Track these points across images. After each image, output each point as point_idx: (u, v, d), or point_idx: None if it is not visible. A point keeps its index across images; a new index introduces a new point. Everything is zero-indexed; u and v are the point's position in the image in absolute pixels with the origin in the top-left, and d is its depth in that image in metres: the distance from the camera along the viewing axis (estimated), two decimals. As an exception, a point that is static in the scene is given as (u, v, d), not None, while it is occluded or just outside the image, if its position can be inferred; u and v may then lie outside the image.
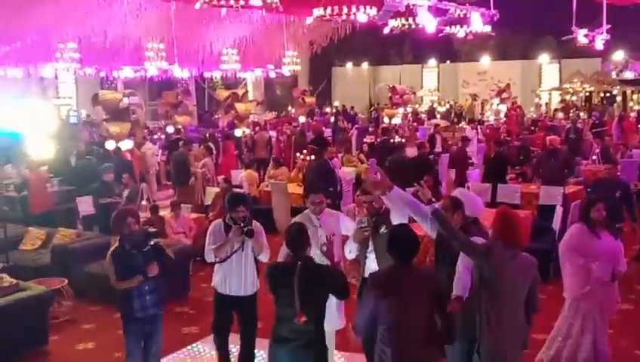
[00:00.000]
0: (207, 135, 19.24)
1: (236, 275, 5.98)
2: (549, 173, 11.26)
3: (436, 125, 21.40)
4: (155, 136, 20.45)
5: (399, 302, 4.42)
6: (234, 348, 6.38)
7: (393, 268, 4.57)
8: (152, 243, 5.60)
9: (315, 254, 5.15)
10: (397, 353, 4.44)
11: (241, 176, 13.67)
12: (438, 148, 18.06)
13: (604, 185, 9.09)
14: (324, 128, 22.85)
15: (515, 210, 6.14)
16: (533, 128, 21.69)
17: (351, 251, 5.88)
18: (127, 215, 5.78)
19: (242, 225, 5.77)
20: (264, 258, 6.03)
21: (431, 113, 29.08)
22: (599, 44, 15.02)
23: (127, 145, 13.96)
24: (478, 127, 22.65)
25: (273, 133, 20.62)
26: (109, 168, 11.18)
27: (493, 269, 4.63)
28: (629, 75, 29.85)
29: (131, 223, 5.67)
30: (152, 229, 5.88)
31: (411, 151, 17.14)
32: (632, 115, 26.17)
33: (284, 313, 4.63)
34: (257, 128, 19.54)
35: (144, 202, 11.08)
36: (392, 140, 17.51)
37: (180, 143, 14.96)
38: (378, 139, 18.25)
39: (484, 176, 12.69)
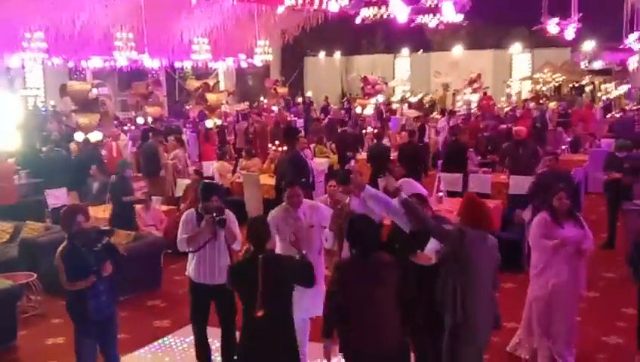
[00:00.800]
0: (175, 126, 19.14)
1: (210, 264, 5.95)
2: (517, 163, 11.34)
3: (417, 117, 21.49)
4: (126, 128, 20.23)
5: (360, 290, 4.52)
6: (218, 342, 6.31)
7: (354, 257, 4.67)
8: (104, 241, 5.38)
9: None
10: (360, 340, 4.52)
11: (213, 167, 13.59)
12: (427, 139, 18.24)
13: (548, 177, 9.15)
14: (295, 118, 22.82)
15: (483, 199, 6.19)
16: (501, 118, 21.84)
17: (327, 239, 5.92)
18: (76, 212, 5.53)
19: (215, 214, 5.75)
20: (237, 246, 6.04)
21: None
22: (570, 34, 15.18)
23: (95, 136, 13.78)
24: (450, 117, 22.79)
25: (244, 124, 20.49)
26: (127, 165, 10.94)
27: (467, 252, 4.71)
28: (597, 65, 30.20)
29: (81, 221, 5.44)
30: (104, 227, 5.75)
31: (386, 142, 17.22)
32: (600, 104, 26.52)
33: (250, 309, 4.60)
34: (239, 118, 19.53)
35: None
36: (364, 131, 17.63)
37: (150, 134, 14.82)
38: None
39: (443, 166, 12.70)
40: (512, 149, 11.74)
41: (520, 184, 11.02)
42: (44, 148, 14.21)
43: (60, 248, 5.41)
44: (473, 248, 4.72)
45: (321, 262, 6.20)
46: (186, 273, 6.20)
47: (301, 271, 4.77)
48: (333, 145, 16.22)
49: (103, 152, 13.96)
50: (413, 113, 23.46)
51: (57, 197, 11.34)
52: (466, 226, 4.82)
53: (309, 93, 32.41)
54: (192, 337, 6.39)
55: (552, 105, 23.73)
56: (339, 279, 4.64)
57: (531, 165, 11.14)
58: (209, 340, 6.25)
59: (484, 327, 4.88)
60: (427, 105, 28.76)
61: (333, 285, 4.69)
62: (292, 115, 23.91)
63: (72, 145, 14.24)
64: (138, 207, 10.29)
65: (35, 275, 8.08)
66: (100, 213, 10.36)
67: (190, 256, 6.10)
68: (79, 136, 13.80)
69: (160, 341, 7.26)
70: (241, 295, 4.77)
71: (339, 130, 16.77)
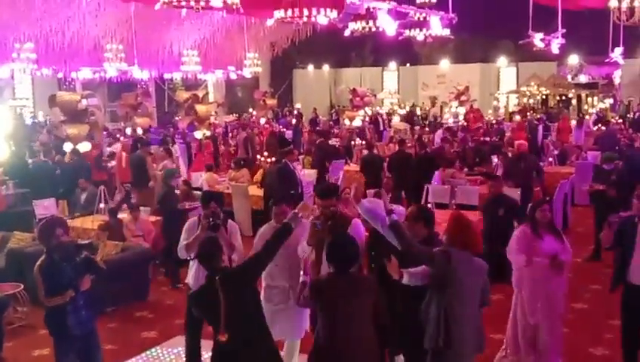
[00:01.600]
0: (165, 136, 19.11)
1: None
2: (519, 176, 11.17)
3: (411, 128, 21.63)
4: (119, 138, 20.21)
5: (336, 309, 4.49)
6: (206, 354, 6.28)
7: (331, 275, 4.63)
8: (82, 255, 5.29)
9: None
10: (333, 357, 4.50)
11: (202, 178, 13.58)
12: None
13: (490, 202, 9.14)
14: (285, 130, 22.87)
15: (467, 214, 6.21)
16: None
17: (304, 252, 5.82)
18: (55, 225, 5.41)
19: (211, 220, 5.84)
20: (236, 257, 6.03)
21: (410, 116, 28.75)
22: (555, 48, 15.34)
23: (85, 147, 13.76)
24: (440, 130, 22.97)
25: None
26: (174, 172, 10.92)
27: (453, 275, 4.64)
28: (583, 78, 30.52)
29: (60, 234, 5.32)
30: (82, 241, 5.69)
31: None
32: (592, 117, 26.76)
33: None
34: (227, 129, 19.60)
35: (102, 205, 10.90)
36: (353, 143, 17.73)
37: (138, 145, 14.80)
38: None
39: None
40: (513, 163, 11.71)
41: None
42: (30, 160, 14.17)
43: (39, 262, 5.27)
44: (459, 270, 4.66)
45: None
46: (186, 281, 6.22)
47: (252, 260, 4.76)
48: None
49: (111, 163, 13.89)
50: (402, 125, 23.57)
51: (46, 207, 11.30)
52: (452, 247, 4.76)
53: (298, 105, 32.51)
54: (180, 348, 6.38)
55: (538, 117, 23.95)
56: (314, 298, 4.64)
57: (532, 179, 11.14)
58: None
59: (469, 349, 4.80)
60: (419, 117, 28.86)
61: (309, 303, 4.75)
62: (281, 127, 23.97)
63: (67, 156, 14.18)
64: (126, 218, 10.27)
65: (22, 286, 8.04)
66: (89, 223, 10.35)
67: (190, 263, 6.18)
68: (68, 147, 13.78)
69: (148, 352, 7.22)
70: (209, 321, 4.68)
71: (317, 141, 16.81)
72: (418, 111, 30.66)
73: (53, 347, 5.48)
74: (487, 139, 18.42)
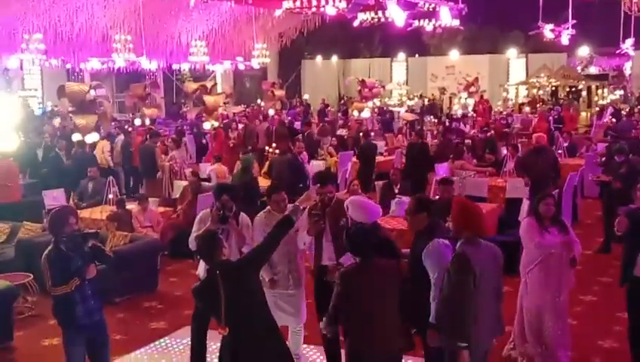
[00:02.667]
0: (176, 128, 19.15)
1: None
2: (538, 172, 10.62)
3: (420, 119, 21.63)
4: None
5: (367, 297, 4.47)
6: (214, 344, 6.29)
7: (358, 264, 4.59)
8: (89, 244, 5.24)
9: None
10: (365, 346, 4.49)
11: (210, 169, 13.57)
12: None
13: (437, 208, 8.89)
14: (294, 121, 22.84)
15: (477, 203, 6.18)
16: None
17: (305, 243, 5.84)
18: (68, 214, 5.37)
19: (221, 212, 5.84)
20: (246, 250, 5.96)
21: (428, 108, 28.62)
22: (565, 39, 15.26)
23: (93, 137, 13.78)
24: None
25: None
26: (252, 159, 11.22)
27: (474, 272, 4.61)
28: (593, 70, 30.34)
29: (73, 223, 5.29)
30: (89, 230, 5.64)
31: (381, 144, 17.30)
32: (597, 109, 26.66)
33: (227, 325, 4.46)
34: (260, 119, 19.67)
35: (111, 195, 10.92)
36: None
37: (147, 136, 14.83)
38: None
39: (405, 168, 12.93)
40: (530, 157, 11.15)
41: (516, 187, 11.07)
42: (38, 150, 14.24)
43: (47, 251, 5.23)
44: (474, 263, 4.62)
45: (302, 266, 6.14)
46: (197, 272, 6.23)
47: (255, 252, 4.77)
48: (330, 148, 16.25)
49: (175, 153, 13.84)
50: (410, 116, 23.50)
51: (55, 198, 11.32)
52: (460, 234, 4.73)
53: (306, 96, 32.45)
54: (188, 338, 6.38)
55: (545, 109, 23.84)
56: (345, 291, 4.54)
57: (550, 175, 10.57)
58: (207, 343, 6.23)
59: (486, 337, 4.81)
60: (426, 107, 28.78)
61: (339, 298, 4.58)
62: (290, 118, 23.94)
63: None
64: (134, 208, 10.30)
65: (32, 276, 8.06)
66: (97, 213, 10.38)
67: None
68: (76, 137, 13.81)
69: (156, 342, 7.24)
70: (211, 314, 4.66)
71: (306, 133, 16.90)
72: (426, 102, 30.57)
73: (62, 336, 5.48)
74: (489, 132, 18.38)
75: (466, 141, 15.34)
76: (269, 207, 6.05)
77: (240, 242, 5.99)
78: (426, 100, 30.47)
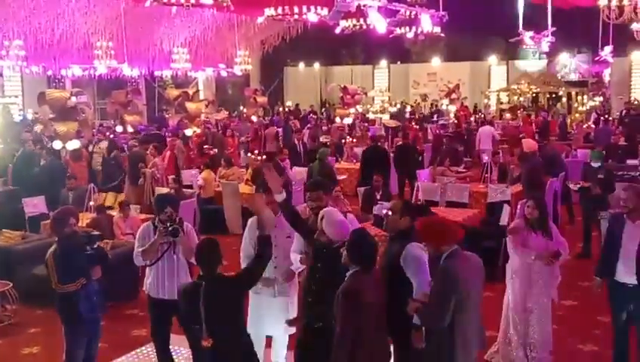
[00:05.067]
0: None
1: (168, 278, 5.80)
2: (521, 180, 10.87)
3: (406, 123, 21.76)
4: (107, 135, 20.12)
5: (369, 309, 4.42)
6: (184, 351, 6.28)
7: (358, 276, 4.47)
8: (94, 245, 5.50)
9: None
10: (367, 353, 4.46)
11: (199, 177, 13.42)
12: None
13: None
14: (275, 128, 22.83)
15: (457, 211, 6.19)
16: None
17: (301, 262, 5.55)
18: (69, 215, 5.68)
19: (168, 225, 5.66)
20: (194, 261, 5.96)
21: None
22: (545, 46, 15.40)
23: (74, 144, 13.69)
24: (430, 126, 23.13)
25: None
26: (327, 151, 12.92)
27: (458, 284, 4.50)
28: (573, 76, 30.65)
29: (73, 224, 5.60)
30: (94, 232, 5.77)
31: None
32: (577, 115, 26.95)
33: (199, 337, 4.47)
34: (267, 123, 19.62)
35: (92, 203, 10.85)
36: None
37: (135, 142, 14.79)
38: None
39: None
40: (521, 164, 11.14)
41: (498, 193, 11.17)
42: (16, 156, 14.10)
43: (51, 250, 5.52)
44: (460, 277, 4.50)
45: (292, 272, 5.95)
46: (143, 288, 6.10)
47: (245, 275, 4.76)
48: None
49: (157, 160, 13.70)
50: (392, 123, 23.58)
51: (35, 205, 11.24)
52: (439, 250, 4.58)
53: (288, 103, 32.48)
54: (169, 346, 6.35)
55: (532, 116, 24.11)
56: (354, 305, 4.36)
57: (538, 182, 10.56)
58: (177, 348, 6.24)
59: (472, 349, 4.72)
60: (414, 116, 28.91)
61: (348, 317, 4.39)
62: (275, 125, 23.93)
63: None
64: (115, 215, 10.23)
65: (11, 284, 8.00)
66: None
67: (147, 271, 5.97)
68: (57, 145, 13.71)
69: (138, 350, 7.20)
70: (192, 320, 4.55)
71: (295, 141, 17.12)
72: (408, 109, 30.70)
73: (63, 333, 5.68)
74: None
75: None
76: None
77: (187, 254, 5.74)
78: (408, 107, 30.61)
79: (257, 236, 4.85)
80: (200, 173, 13.65)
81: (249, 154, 15.58)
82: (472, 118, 25.03)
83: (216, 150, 16.45)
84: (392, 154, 14.80)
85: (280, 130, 21.80)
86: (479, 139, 17.93)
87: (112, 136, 19.32)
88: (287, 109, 30.56)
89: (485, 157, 14.45)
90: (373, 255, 4.53)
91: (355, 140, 18.29)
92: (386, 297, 4.61)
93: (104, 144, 15.44)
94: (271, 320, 5.84)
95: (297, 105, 31.65)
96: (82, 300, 5.47)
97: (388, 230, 5.30)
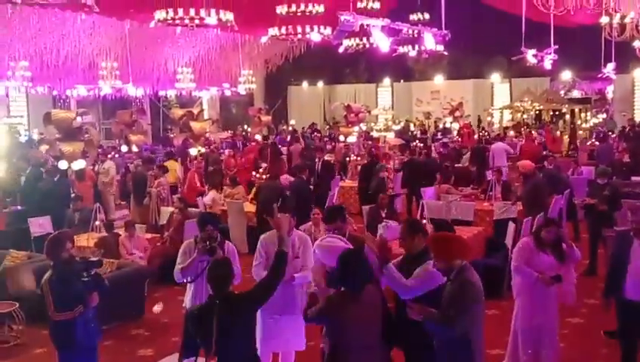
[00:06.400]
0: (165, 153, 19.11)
1: (206, 295, 5.85)
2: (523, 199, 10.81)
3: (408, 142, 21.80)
4: (110, 156, 20.17)
5: (349, 327, 4.45)
6: None
7: (341, 295, 4.54)
8: (92, 272, 5.37)
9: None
10: None
11: (207, 196, 13.38)
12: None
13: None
14: (280, 147, 22.88)
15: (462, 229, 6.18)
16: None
17: (315, 285, 5.55)
18: (65, 239, 5.51)
19: (207, 243, 5.77)
20: (234, 280, 5.97)
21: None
22: (547, 64, 15.45)
23: (79, 164, 13.74)
24: (433, 144, 23.15)
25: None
26: (384, 166, 13.15)
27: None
28: (576, 94, 30.69)
29: (69, 248, 5.44)
30: (93, 258, 5.72)
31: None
32: (580, 132, 26.98)
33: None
34: (291, 140, 19.58)
35: (97, 222, 10.89)
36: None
37: (139, 162, 14.84)
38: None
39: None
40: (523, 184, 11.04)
41: (504, 210, 11.16)
42: (23, 177, 14.15)
43: (47, 276, 5.34)
44: (478, 288, 4.62)
45: (299, 291, 6.03)
46: (183, 304, 6.15)
47: (258, 290, 4.74)
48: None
49: (162, 180, 13.71)
50: (397, 141, 23.62)
51: (41, 225, 11.26)
52: (449, 267, 4.62)
53: (292, 122, 32.55)
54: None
55: (534, 133, 24.10)
56: (332, 323, 4.52)
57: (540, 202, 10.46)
58: None
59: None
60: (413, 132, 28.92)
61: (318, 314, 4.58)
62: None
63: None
64: (122, 235, 10.26)
65: (17, 304, 8.01)
66: (84, 241, 10.32)
67: (188, 287, 6.07)
68: (63, 165, 13.75)
69: (144, 370, 7.20)
70: (201, 341, 4.58)
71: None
72: (412, 127, 30.72)
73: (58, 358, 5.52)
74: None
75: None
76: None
77: None
78: (412, 125, 30.65)
79: (275, 252, 4.93)
80: (205, 193, 13.65)
81: (253, 173, 15.58)
82: (476, 136, 25.02)
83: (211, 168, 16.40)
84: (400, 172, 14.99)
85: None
86: (492, 156, 17.88)
87: (117, 156, 19.42)
88: (290, 128, 30.58)
89: (489, 175, 14.45)
90: (359, 275, 4.53)
91: (359, 158, 18.29)
92: (386, 315, 4.66)
93: (108, 164, 15.45)
94: (278, 337, 5.86)
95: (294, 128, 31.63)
96: (79, 327, 5.31)
97: (405, 251, 5.31)
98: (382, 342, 4.59)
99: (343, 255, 4.69)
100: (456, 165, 16.83)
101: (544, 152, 19.02)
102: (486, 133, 26.58)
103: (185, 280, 6.00)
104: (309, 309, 4.71)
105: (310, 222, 8.32)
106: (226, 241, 6.11)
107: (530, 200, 10.59)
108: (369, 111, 27.73)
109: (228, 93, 24.12)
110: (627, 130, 24.50)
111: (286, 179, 13.49)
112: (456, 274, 4.60)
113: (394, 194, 14.25)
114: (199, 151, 17.74)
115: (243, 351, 4.54)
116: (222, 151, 21.69)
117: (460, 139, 23.95)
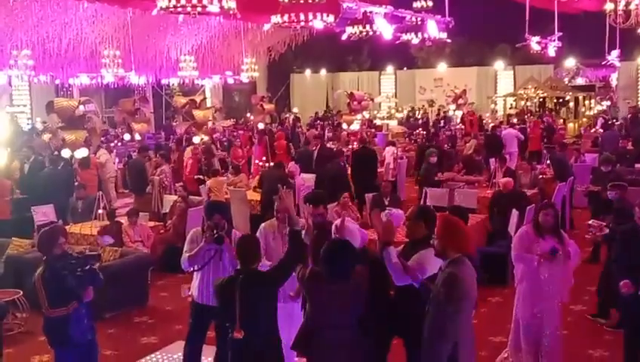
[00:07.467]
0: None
1: (213, 284, 5.88)
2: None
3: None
4: (112, 144, 20.20)
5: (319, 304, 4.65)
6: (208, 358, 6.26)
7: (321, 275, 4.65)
8: (87, 267, 5.23)
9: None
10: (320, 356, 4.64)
11: (206, 184, 13.37)
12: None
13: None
14: (315, 131, 22.93)
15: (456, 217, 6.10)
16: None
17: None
18: (58, 234, 5.43)
19: (215, 231, 5.71)
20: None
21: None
22: (551, 51, 15.39)
23: (82, 153, 13.73)
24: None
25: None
26: (432, 151, 13.21)
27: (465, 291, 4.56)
28: (580, 81, 30.59)
29: (62, 243, 5.35)
30: (91, 252, 5.65)
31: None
32: (584, 120, 26.90)
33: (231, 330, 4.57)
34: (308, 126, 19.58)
35: (101, 210, 10.90)
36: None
37: (136, 150, 14.80)
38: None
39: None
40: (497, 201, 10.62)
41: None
42: (26, 165, 14.19)
43: (39, 271, 5.24)
44: (468, 284, 4.54)
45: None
46: (189, 292, 6.14)
47: (279, 280, 4.79)
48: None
49: (165, 167, 13.71)
50: (400, 128, 23.60)
51: (45, 213, 11.28)
52: (445, 252, 4.55)
53: (295, 109, 32.52)
54: (179, 353, 6.35)
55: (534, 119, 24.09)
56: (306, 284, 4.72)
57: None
58: (204, 359, 6.15)
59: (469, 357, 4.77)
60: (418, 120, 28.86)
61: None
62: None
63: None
64: (125, 223, 10.28)
65: (22, 292, 8.03)
66: (87, 229, 10.35)
67: (194, 275, 6.03)
68: (66, 153, 13.76)
69: (147, 357, 7.21)
70: (224, 314, 4.68)
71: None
72: (417, 114, 30.69)
73: (54, 357, 5.49)
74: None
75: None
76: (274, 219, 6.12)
77: (234, 261, 5.75)
78: (417, 113, 30.59)
79: (288, 231, 4.99)
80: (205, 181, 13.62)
81: (256, 161, 15.58)
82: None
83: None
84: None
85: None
86: (504, 143, 17.85)
87: (119, 144, 19.42)
88: (293, 116, 30.54)
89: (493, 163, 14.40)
90: (343, 272, 4.58)
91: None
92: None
93: (100, 152, 15.36)
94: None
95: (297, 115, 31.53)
96: (73, 323, 5.23)
97: (407, 235, 5.30)
98: (359, 324, 4.62)
99: (329, 246, 4.69)
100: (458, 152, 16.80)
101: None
102: (488, 121, 26.52)
103: (192, 269, 5.96)
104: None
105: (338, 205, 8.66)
106: (234, 230, 6.06)
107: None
108: (372, 99, 27.65)
109: (231, 81, 24.05)
110: (629, 116, 24.39)
111: (293, 166, 13.47)
112: (446, 266, 4.54)
113: (394, 180, 14.25)
114: (202, 139, 17.71)
115: (266, 328, 4.66)
116: (225, 139, 21.75)
117: (462, 126, 23.89)
